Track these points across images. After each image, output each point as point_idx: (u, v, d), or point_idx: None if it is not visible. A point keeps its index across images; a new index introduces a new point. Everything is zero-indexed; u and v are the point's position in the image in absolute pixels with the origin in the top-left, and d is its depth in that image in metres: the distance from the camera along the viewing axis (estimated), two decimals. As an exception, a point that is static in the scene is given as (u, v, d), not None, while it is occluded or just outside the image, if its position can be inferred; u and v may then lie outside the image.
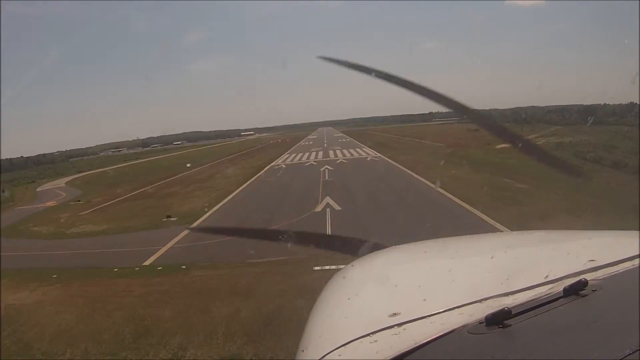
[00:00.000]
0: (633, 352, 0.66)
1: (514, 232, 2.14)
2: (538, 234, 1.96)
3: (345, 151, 38.18)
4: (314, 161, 31.70)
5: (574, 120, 33.18)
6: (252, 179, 23.42)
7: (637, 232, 1.39)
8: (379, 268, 1.50)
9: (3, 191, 31.92)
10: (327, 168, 25.18)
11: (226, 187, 21.29)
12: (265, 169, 28.80)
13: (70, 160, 78.71)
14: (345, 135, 69.58)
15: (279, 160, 33.87)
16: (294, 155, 39.14)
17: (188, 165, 34.71)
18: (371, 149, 36.90)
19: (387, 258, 1.62)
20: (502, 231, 7.64)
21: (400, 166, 22.46)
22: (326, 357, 0.91)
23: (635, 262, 1.12)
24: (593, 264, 1.14)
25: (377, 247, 1.74)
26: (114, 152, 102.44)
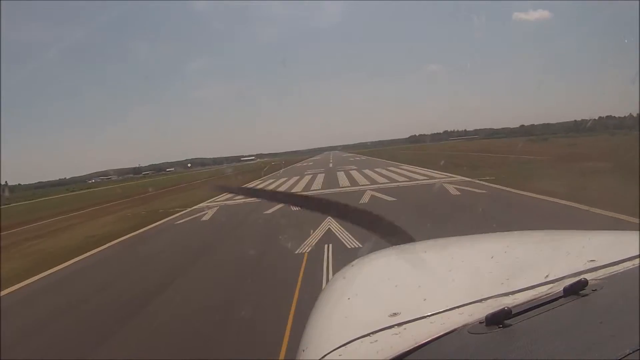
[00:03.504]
0: (633, 352, 0.65)
1: (514, 232, 1.96)
2: (538, 234, 1.90)
3: (369, 172, 21.07)
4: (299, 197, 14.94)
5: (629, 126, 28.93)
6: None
7: (637, 232, 1.37)
8: (379, 268, 1.50)
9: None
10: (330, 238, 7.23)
11: None
12: (161, 222, 12.65)
13: (43, 188, 71.82)
14: (357, 155, 52.78)
15: (221, 198, 17.43)
16: (268, 182, 23.50)
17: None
18: (424, 167, 19.71)
19: (387, 258, 1.61)
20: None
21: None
22: (326, 357, 0.90)
23: (635, 262, 1.12)
24: (593, 264, 1.14)
25: (377, 247, 1.68)
26: (102, 179, 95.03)
